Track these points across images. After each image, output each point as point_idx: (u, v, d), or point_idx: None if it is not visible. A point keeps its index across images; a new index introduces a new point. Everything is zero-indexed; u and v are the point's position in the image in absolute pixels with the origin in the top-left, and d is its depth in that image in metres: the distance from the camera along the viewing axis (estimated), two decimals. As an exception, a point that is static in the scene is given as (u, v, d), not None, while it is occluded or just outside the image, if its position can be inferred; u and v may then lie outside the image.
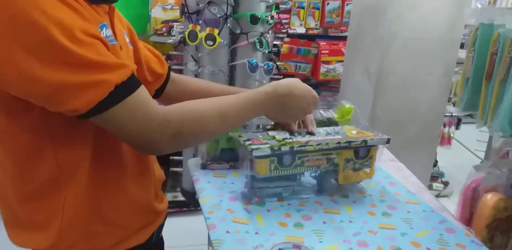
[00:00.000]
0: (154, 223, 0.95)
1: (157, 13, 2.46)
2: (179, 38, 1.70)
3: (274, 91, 0.90)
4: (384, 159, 1.45)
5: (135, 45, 0.97)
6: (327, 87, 3.12)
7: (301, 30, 2.94)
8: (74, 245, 0.82)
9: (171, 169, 2.02)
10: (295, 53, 2.87)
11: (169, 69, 1.08)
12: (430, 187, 3.09)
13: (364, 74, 2.04)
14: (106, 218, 0.84)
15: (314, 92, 0.97)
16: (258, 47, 1.61)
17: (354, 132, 1.07)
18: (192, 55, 1.69)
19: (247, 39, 1.59)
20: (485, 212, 1.11)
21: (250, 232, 0.93)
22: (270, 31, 1.73)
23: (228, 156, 1.18)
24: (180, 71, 1.88)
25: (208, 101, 0.84)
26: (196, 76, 1.73)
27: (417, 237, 0.97)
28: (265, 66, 1.66)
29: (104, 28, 0.76)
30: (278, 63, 1.84)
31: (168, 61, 2.39)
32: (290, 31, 2.88)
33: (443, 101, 2.11)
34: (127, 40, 0.95)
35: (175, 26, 1.82)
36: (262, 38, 1.62)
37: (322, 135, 1.04)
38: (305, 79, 3.27)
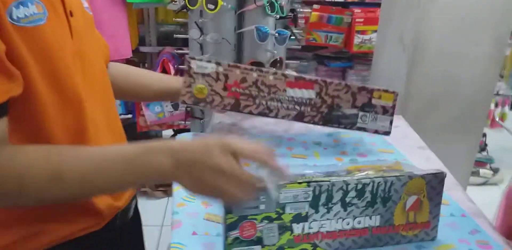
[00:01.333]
0: (105, 218, 0.79)
1: (172, -21, 2.25)
2: (182, 3, 1.50)
3: (155, 145, 0.62)
4: (411, 145, 1.22)
5: None
6: (361, 60, 2.83)
7: (336, -4, 2.65)
8: (9, 246, 0.70)
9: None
10: (326, 22, 2.60)
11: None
12: (477, 174, 2.82)
13: (398, 45, 1.77)
14: (40, 215, 0.71)
15: (221, 138, 0.62)
16: (269, 11, 1.39)
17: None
18: (195, 22, 1.49)
19: (255, 2, 1.37)
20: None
21: (221, 235, 0.74)
22: (286, -7, 1.49)
23: None
24: (186, 41, 1.69)
25: (48, 152, 0.62)
26: (201, 45, 1.54)
27: (437, 251, 0.76)
28: (278, 34, 1.44)
29: (21, 7, 0.59)
30: (296, 31, 1.61)
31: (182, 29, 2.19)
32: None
33: (493, 78, 1.82)
34: (85, 5, 0.79)
35: (177, -12, 1.62)
36: (273, 1, 1.39)
37: None
38: (337, 52, 3.00)
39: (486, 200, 1.11)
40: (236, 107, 0.95)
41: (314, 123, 0.99)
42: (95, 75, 0.77)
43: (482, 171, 2.87)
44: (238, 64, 0.93)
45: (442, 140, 1.90)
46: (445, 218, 0.85)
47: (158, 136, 2.89)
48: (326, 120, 0.99)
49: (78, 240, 0.74)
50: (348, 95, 0.99)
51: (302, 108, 0.97)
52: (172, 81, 0.99)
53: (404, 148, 1.17)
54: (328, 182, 0.70)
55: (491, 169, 2.90)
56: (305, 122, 0.99)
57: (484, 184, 2.82)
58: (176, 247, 0.72)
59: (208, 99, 0.93)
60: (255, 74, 0.93)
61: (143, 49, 2.86)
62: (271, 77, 0.93)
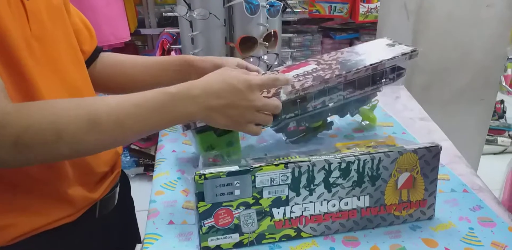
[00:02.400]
0: (79, 210, 0.75)
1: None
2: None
3: (185, 91, 0.66)
4: (412, 117, 1.14)
5: (66, 7, 0.79)
6: (369, 30, 2.71)
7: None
8: None
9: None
10: (329, -8, 2.49)
11: (101, 49, 0.90)
12: (494, 142, 2.74)
13: (401, 12, 1.67)
14: (8, 208, 0.68)
15: (242, 77, 0.69)
16: (257, -19, 1.30)
17: None
18: (182, -3, 1.41)
19: (241, -28, 1.29)
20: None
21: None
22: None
23: None
24: (176, 19, 1.61)
25: (78, 101, 0.63)
26: (190, 23, 1.46)
27: (433, 231, 0.70)
28: (269, 6, 1.35)
29: None
30: (291, 2, 1.52)
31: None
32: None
33: (504, 41, 1.70)
34: None
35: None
36: (261, -30, 1.30)
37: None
38: (342, 23, 2.88)
39: (504, 169, 1.04)
40: None
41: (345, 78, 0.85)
42: (61, 63, 0.72)
43: (500, 139, 2.79)
44: None
45: (452, 110, 1.82)
46: (445, 194, 0.79)
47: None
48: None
49: (52, 232, 0.71)
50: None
51: (316, 74, 0.85)
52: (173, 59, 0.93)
53: (405, 120, 1.10)
54: (308, 162, 0.64)
55: (509, 136, 2.81)
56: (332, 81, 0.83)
57: (502, 152, 2.73)
58: (151, 237, 0.68)
59: None
60: None
61: (144, 31, 2.81)
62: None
